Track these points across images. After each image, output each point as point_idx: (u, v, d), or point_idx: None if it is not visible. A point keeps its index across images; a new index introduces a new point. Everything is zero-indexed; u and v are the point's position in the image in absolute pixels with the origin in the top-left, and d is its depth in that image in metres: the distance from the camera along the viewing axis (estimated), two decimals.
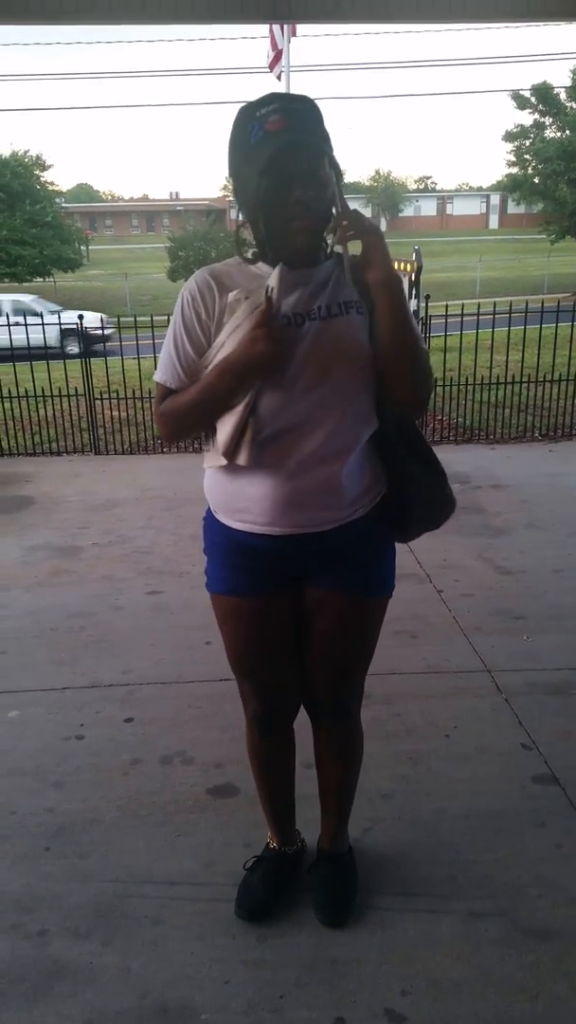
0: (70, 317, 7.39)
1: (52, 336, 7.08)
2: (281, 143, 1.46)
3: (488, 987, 1.80)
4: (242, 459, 1.60)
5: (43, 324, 6.56)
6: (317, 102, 1.55)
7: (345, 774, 2.01)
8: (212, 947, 1.91)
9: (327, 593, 1.77)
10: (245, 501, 1.66)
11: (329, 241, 1.61)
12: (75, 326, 6.54)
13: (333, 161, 1.55)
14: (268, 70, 14.78)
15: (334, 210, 1.55)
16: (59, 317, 7.51)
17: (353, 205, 1.55)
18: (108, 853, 2.20)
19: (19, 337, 6.67)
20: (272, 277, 1.53)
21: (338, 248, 1.57)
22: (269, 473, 1.62)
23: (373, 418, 1.68)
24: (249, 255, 1.65)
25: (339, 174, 1.57)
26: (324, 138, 1.53)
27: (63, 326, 7.04)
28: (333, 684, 1.88)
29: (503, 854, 2.17)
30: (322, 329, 1.58)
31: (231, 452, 1.61)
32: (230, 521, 1.71)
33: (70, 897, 2.06)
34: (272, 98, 1.51)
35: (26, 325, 6.53)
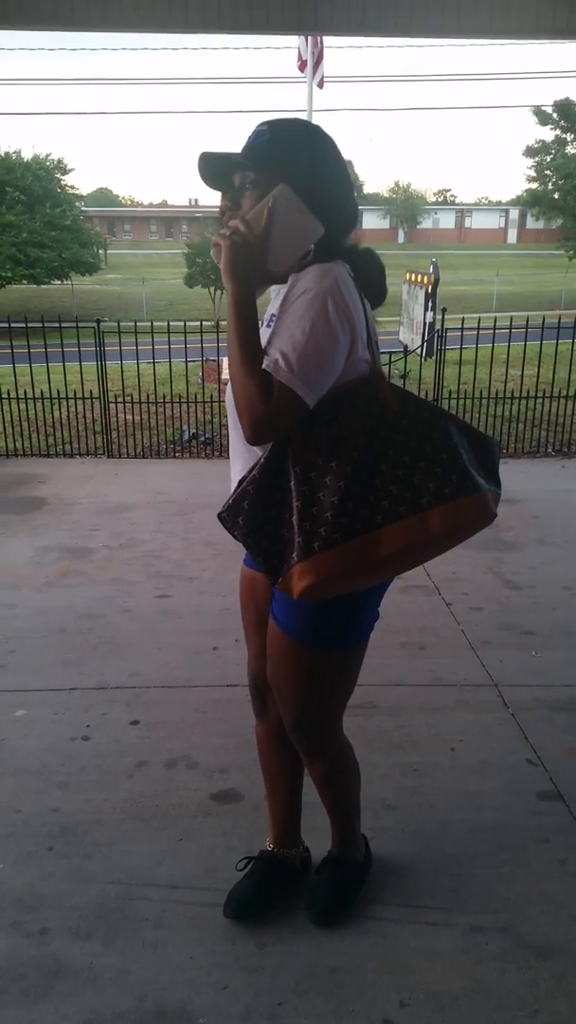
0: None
1: None
2: (207, 159, 1.56)
3: (487, 1002, 1.79)
4: None
5: (77, 326, 6.58)
6: (326, 122, 1.61)
7: (324, 790, 1.97)
8: (211, 952, 1.91)
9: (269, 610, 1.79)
10: None
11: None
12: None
13: (292, 180, 1.50)
14: (300, 72, 14.82)
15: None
16: None
17: (371, 217, 1.56)
18: (111, 855, 2.21)
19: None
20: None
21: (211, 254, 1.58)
22: None
23: None
24: None
25: (325, 201, 1.54)
26: (266, 155, 1.54)
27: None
28: (280, 707, 1.84)
29: (506, 869, 2.17)
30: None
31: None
32: None
33: (72, 897, 2.07)
34: (261, 124, 1.59)
35: (41, 325, 6.56)
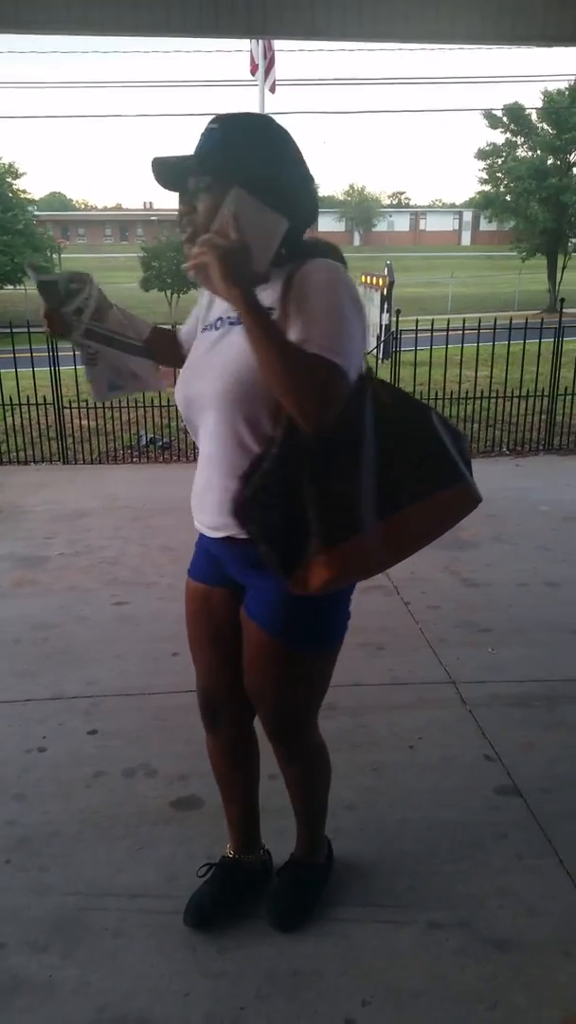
0: None
1: None
2: (160, 163, 1.56)
3: (447, 997, 1.80)
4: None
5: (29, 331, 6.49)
6: (274, 118, 1.59)
7: (298, 795, 1.99)
8: (172, 960, 1.90)
9: (244, 614, 1.76)
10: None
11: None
12: None
13: (253, 182, 1.49)
14: (251, 75, 14.87)
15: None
16: None
17: (326, 219, 1.56)
18: (69, 866, 2.19)
19: None
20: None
21: (185, 269, 1.51)
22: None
23: (254, 435, 1.56)
24: None
25: (281, 200, 1.51)
26: (221, 157, 1.52)
27: None
28: (259, 710, 1.85)
29: (464, 865, 2.19)
30: (226, 333, 1.61)
31: None
32: None
33: (29, 910, 2.04)
34: (212, 120, 1.57)
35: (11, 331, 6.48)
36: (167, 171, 1.57)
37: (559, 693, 3.05)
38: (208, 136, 1.55)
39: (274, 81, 14.80)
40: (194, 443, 1.77)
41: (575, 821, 2.34)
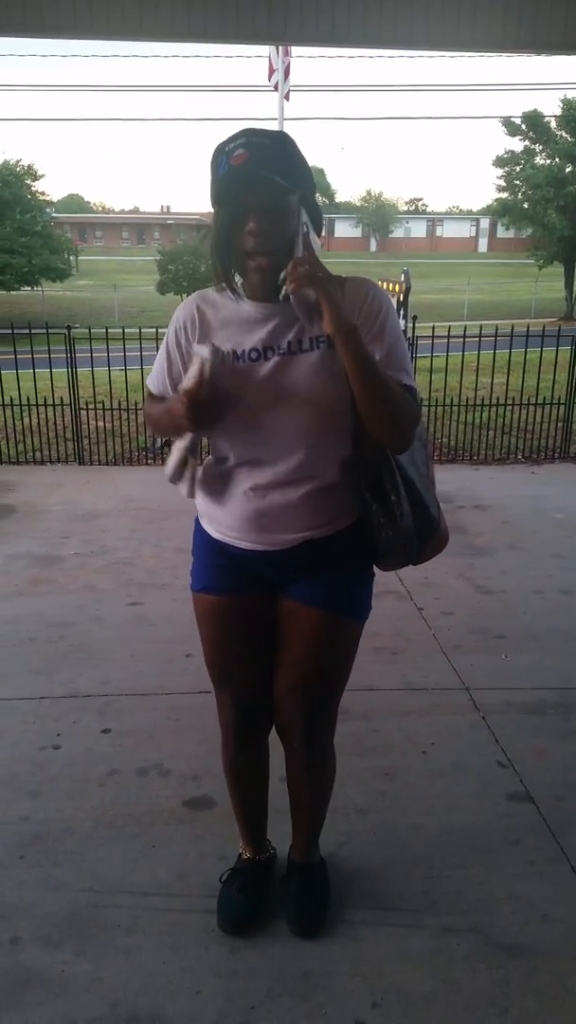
0: None
1: None
2: (239, 175, 1.49)
3: (458, 1001, 1.81)
4: (184, 491, 1.76)
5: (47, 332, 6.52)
6: (298, 131, 1.61)
7: (314, 794, 2.01)
8: (184, 957, 1.91)
9: (298, 605, 1.79)
10: (218, 514, 1.77)
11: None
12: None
13: (305, 199, 1.56)
14: (272, 89, 14.94)
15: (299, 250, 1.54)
16: None
17: (342, 225, 1.57)
18: (82, 863, 2.20)
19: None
20: (203, 350, 1.54)
21: (289, 291, 1.49)
22: (233, 495, 1.72)
23: (338, 451, 1.69)
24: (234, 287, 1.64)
25: (314, 214, 1.59)
26: (290, 173, 1.51)
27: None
28: (303, 706, 1.86)
29: (476, 870, 2.19)
30: (287, 363, 1.60)
31: (175, 482, 1.76)
32: (209, 528, 1.81)
33: (43, 906, 2.06)
34: (242, 133, 1.53)
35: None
36: (265, 192, 1.50)
37: (573, 701, 3.04)
38: (269, 151, 1.50)
39: (288, 90, 14.86)
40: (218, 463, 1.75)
41: None
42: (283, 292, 1.51)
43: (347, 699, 1.97)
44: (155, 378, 1.77)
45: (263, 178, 1.48)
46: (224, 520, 1.75)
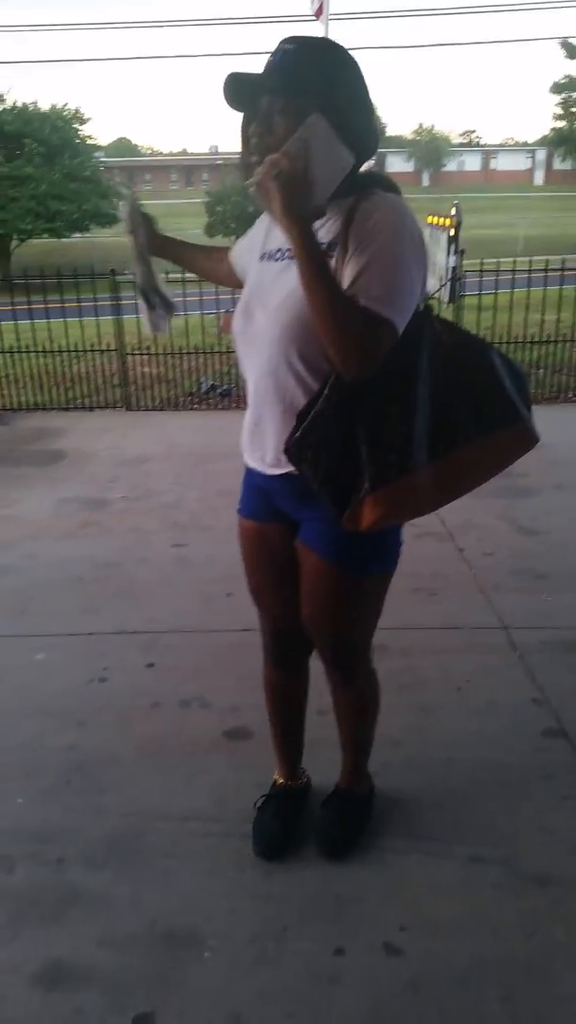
0: None
1: None
2: (236, 82, 1.49)
3: (484, 928, 1.85)
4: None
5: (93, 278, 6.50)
6: (344, 47, 1.51)
7: (351, 723, 2.05)
8: (221, 880, 1.99)
9: (303, 547, 1.78)
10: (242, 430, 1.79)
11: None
12: None
13: (335, 109, 1.45)
14: (315, 18, 14.44)
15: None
16: None
17: (394, 159, 1.50)
18: (125, 789, 2.30)
19: None
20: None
21: (249, 186, 1.47)
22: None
23: (311, 372, 1.56)
24: None
25: (351, 128, 1.48)
26: (303, 79, 1.46)
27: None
28: (318, 640, 1.89)
29: (508, 803, 2.22)
30: (290, 267, 1.54)
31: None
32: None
33: (88, 830, 2.15)
34: (285, 40, 1.49)
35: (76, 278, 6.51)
36: (242, 88, 1.49)
37: None
38: (284, 57, 1.48)
39: (329, 18, 14.30)
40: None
41: None
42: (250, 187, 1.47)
43: (384, 637, 2.00)
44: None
45: (252, 82, 1.48)
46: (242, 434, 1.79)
